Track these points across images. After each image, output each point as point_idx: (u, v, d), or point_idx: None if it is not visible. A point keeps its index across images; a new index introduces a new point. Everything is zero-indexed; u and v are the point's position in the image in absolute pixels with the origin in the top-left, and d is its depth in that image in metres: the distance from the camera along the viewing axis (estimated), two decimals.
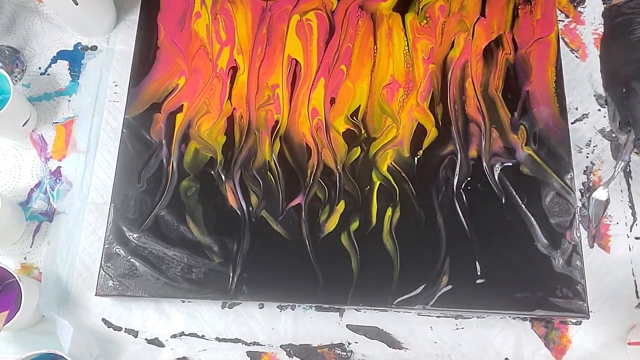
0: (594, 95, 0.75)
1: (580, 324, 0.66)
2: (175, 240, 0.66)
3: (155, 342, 0.66)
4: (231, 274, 0.64)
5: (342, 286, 0.63)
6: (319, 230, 0.66)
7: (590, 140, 0.73)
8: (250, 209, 0.67)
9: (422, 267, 0.64)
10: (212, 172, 0.68)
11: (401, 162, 0.68)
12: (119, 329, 0.67)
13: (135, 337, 0.66)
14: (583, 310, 0.63)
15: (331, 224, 0.66)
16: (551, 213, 0.66)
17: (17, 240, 0.70)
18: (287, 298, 0.64)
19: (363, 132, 0.70)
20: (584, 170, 0.72)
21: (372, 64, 0.73)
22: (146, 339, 0.66)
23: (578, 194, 0.70)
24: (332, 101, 0.71)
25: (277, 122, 0.70)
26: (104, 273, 0.64)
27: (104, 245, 0.66)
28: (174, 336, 0.66)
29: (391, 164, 0.68)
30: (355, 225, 0.66)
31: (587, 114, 0.74)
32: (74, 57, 0.78)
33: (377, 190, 0.67)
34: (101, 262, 0.65)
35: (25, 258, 0.69)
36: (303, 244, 0.65)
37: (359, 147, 0.69)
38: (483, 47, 0.73)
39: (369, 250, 0.65)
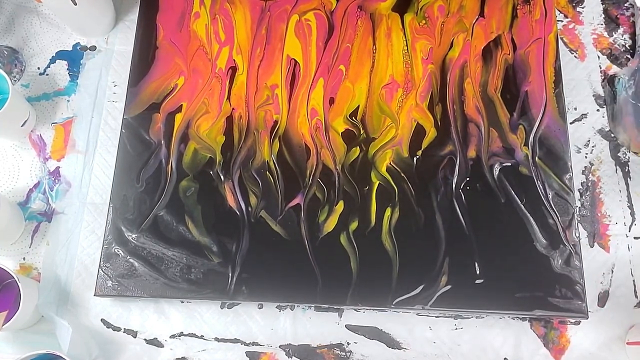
0: (593, 95, 0.75)
1: (579, 324, 0.66)
2: (174, 241, 0.66)
3: (155, 342, 0.66)
4: (230, 274, 0.64)
5: (341, 286, 0.63)
6: (318, 230, 0.66)
7: (589, 140, 0.73)
8: (250, 209, 0.67)
9: (421, 267, 0.64)
10: (211, 172, 0.68)
11: (400, 162, 0.68)
12: (118, 329, 0.67)
13: (134, 337, 0.66)
14: (582, 310, 0.63)
15: (330, 224, 0.66)
16: (550, 213, 0.66)
17: (16, 241, 0.70)
18: (286, 298, 0.64)
19: (362, 132, 0.70)
20: (583, 170, 0.72)
21: (371, 64, 0.73)
22: (145, 339, 0.66)
23: (577, 194, 0.70)
24: (331, 101, 0.71)
25: (276, 122, 0.70)
26: (102, 273, 0.64)
27: (102, 246, 0.66)
28: (173, 336, 0.66)
29: (390, 164, 0.68)
30: (354, 225, 0.66)
31: (585, 114, 0.74)
32: (73, 57, 0.78)
33: (376, 191, 0.67)
34: (100, 262, 0.65)
35: (24, 258, 0.69)
36: (302, 244, 0.65)
37: (358, 147, 0.69)
38: (482, 48, 0.73)
39: (368, 250, 0.65)
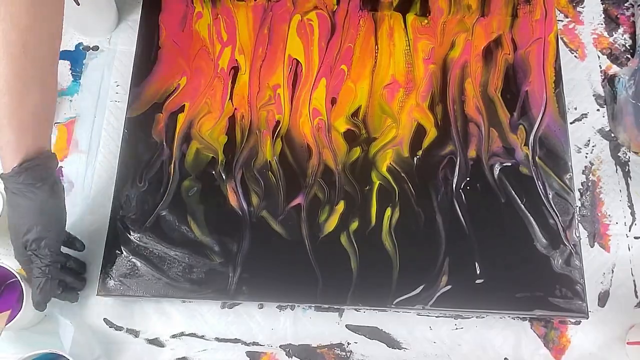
0: (593, 95, 0.75)
1: (580, 323, 0.66)
2: (177, 240, 0.66)
3: (156, 342, 0.66)
4: (231, 274, 0.64)
5: (341, 286, 0.64)
6: (319, 230, 0.66)
7: (589, 140, 0.73)
8: (251, 209, 0.67)
9: (421, 267, 0.64)
10: (214, 172, 0.68)
11: (401, 162, 0.68)
12: (119, 329, 0.67)
13: (136, 337, 0.66)
14: (582, 310, 0.63)
15: (331, 224, 0.66)
16: (550, 213, 0.66)
17: None
18: (287, 298, 0.65)
19: (363, 132, 0.70)
20: (583, 170, 0.72)
21: (373, 64, 0.73)
22: (146, 339, 0.66)
23: (577, 194, 0.70)
24: (333, 101, 0.71)
25: (278, 122, 0.71)
26: (105, 273, 0.65)
27: (105, 245, 0.66)
28: (174, 336, 0.66)
29: (391, 164, 0.68)
30: (354, 225, 0.66)
31: (586, 114, 0.74)
32: (76, 57, 0.78)
33: (377, 191, 0.67)
34: (102, 262, 0.65)
35: None
36: (303, 244, 0.65)
37: (359, 147, 0.69)
38: (483, 47, 0.73)
39: (368, 250, 0.65)
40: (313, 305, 0.66)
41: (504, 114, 0.70)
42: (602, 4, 0.80)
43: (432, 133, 0.70)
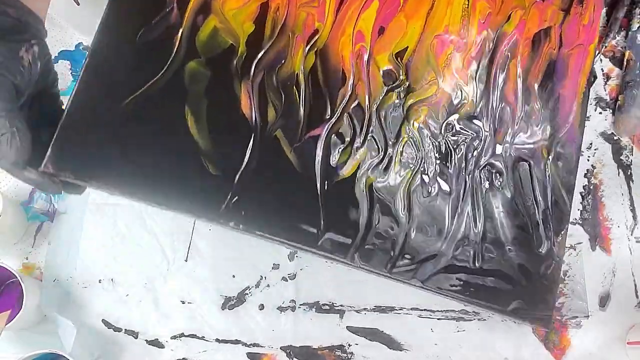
0: (595, 98, 0.76)
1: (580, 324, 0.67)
2: (166, 131, 0.52)
3: (155, 343, 0.66)
4: (226, 192, 0.52)
5: (344, 241, 0.55)
6: (334, 173, 0.56)
7: (591, 143, 0.74)
8: (265, 123, 0.55)
9: (426, 242, 0.58)
10: (229, 65, 0.54)
11: (433, 125, 0.61)
12: (119, 329, 0.66)
13: (136, 338, 0.65)
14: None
15: (349, 170, 0.57)
16: (551, 215, 0.64)
17: (19, 240, 0.69)
18: (285, 235, 0.53)
19: (403, 77, 0.61)
20: (585, 173, 0.73)
21: (430, 5, 0.63)
22: (146, 340, 0.66)
23: (579, 197, 0.71)
24: (381, 31, 0.61)
25: (316, 31, 0.58)
26: (59, 146, 0.48)
27: (66, 108, 0.49)
28: (174, 337, 0.66)
29: (422, 124, 0.61)
30: (371, 179, 0.57)
31: (588, 117, 0.74)
32: (76, 57, 0.76)
33: (403, 148, 0.59)
34: (57, 130, 0.48)
35: (27, 258, 0.68)
36: (313, 182, 0.55)
37: (395, 93, 0.60)
38: (534, 33, 0.68)
39: (380, 210, 0.57)
40: (318, 253, 0.56)
41: (536, 109, 0.66)
42: (605, 6, 0.79)
43: (470, 104, 0.63)
